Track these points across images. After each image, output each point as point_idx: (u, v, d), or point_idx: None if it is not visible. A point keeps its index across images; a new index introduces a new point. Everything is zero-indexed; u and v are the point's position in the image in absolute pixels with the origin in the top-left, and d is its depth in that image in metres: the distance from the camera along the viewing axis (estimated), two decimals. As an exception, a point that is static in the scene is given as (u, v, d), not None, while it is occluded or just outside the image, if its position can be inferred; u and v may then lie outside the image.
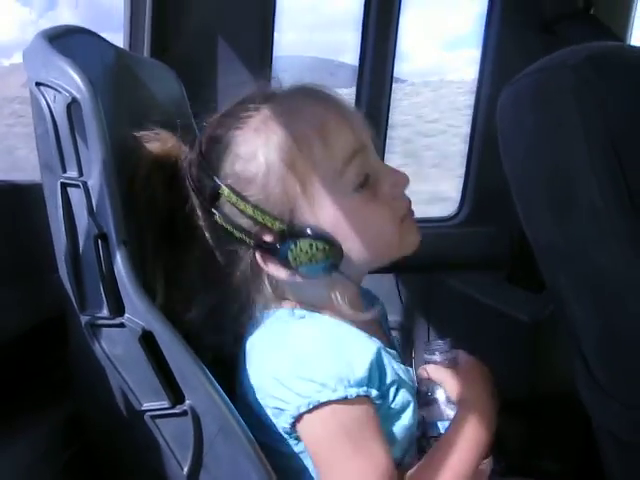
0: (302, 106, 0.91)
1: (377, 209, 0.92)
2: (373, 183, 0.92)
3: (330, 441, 0.87)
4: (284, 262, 0.90)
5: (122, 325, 0.83)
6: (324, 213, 0.90)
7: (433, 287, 2.03)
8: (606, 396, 1.01)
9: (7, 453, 0.82)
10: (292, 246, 0.88)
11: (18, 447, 0.85)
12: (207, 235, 0.93)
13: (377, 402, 0.89)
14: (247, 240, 0.90)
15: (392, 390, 0.92)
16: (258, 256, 0.91)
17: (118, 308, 0.83)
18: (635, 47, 1.27)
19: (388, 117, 2.03)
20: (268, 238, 0.90)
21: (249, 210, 0.88)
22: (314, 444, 0.89)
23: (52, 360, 0.98)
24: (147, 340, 0.83)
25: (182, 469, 0.85)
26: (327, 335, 0.91)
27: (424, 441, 0.99)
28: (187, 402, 0.83)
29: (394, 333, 1.17)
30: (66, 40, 0.92)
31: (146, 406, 0.85)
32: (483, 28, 2.00)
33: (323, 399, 0.85)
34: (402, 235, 0.94)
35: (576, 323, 1.06)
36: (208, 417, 0.84)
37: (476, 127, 2.03)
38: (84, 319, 0.85)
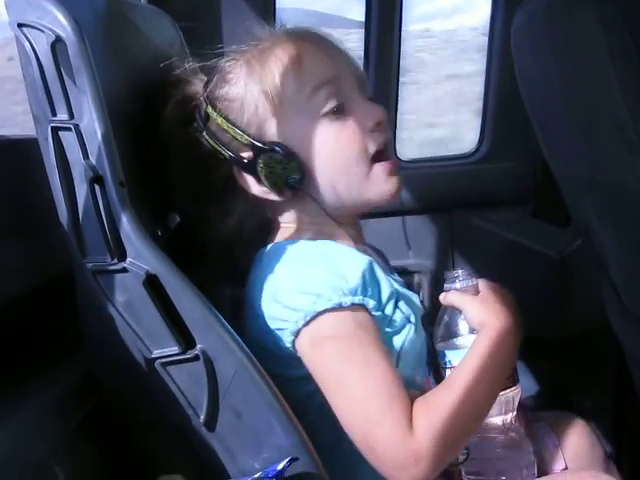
0: (288, 40, 1.00)
1: (344, 138, 0.97)
2: (348, 112, 0.98)
3: (326, 354, 0.88)
4: (256, 178, 0.97)
5: (125, 270, 0.81)
6: (289, 131, 0.97)
7: (456, 227, 1.99)
8: (638, 323, 0.98)
9: (18, 414, 0.80)
10: (259, 160, 0.96)
11: (29, 408, 0.82)
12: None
13: (376, 314, 0.91)
14: (226, 154, 0.98)
15: (391, 304, 0.94)
16: (236, 171, 0.99)
17: (120, 252, 0.81)
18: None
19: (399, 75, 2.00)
20: (244, 154, 0.97)
21: (225, 125, 0.97)
22: (313, 359, 0.89)
23: (65, 319, 0.95)
24: (152, 284, 0.80)
25: (199, 417, 0.83)
26: (318, 252, 0.95)
27: (444, 371, 0.96)
28: (198, 346, 0.81)
29: (418, 276, 1.17)
30: (51, -18, 0.88)
31: (156, 353, 0.82)
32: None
33: (319, 309, 0.87)
34: (372, 178, 0.98)
35: (604, 251, 1.03)
36: (222, 361, 0.81)
37: (492, 58, 1.98)
38: (87, 267, 0.82)
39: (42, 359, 0.93)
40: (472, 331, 0.95)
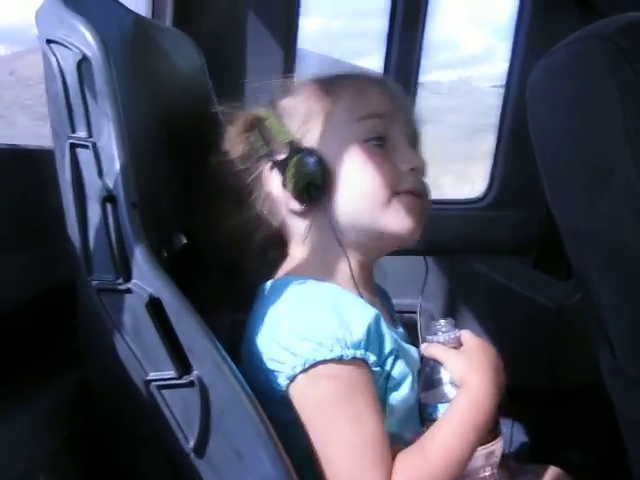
0: (358, 77, 1.06)
1: (376, 168, 0.97)
2: (388, 149, 0.99)
3: (320, 404, 0.88)
4: (282, 179, 0.99)
5: (129, 291, 0.81)
6: (328, 145, 0.99)
7: (458, 270, 1.99)
8: (633, 384, 0.97)
9: (7, 424, 0.79)
10: (291, 159, 0.98)
11: (19, 418, 0.82)
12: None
13: (375, 369, 0.90)
14: (265, 149, 1.00)
15: (391, 359, 0.93)
16: (267, 167, 1.00)
17: (125, 273, 0.81)
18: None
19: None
20: (280, 156, 0.99)
21: (276, 124, 1.00)
22: (304, 406, 0.89)
23: (64, 330, 0.96)
24: (155, 307, 0.81)
25: (189, 442, 0.83)
26: (325, 297, 0.93)
27: (425, 424, 0.96)
28: (194, 373, 0.81)
29: (416, 316, 1.17)
30: (81, 1, 0.89)
31: (152, 376, 0.82)
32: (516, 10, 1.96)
33: (319, 358, 0.86)
34: (391, 208, 0.97)
35: (602, 308, 1.03)
36: (216, 390, 0.81)
37: (506, 108, 1.99)
38: (92, 284, 0.83)
39: (36, 370, 0.93)
40: (453, 383, 0.95)
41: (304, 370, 0.87)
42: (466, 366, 0.94)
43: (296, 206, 0.99)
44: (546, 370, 1.74)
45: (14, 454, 0.78)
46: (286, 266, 1.02)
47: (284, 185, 0.98)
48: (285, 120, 1.01)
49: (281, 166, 0.98)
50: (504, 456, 0.99)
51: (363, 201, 0.98)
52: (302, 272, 0.99)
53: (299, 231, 1.01)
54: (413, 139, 1.04)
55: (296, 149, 0.98)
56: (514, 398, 1.32)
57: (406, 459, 0.87)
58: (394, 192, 0.97)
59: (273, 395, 0.90)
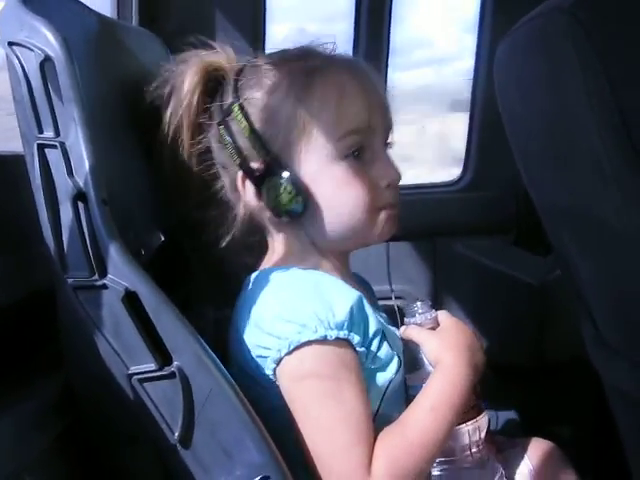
0: (334, 70, 0.99)
1: (356, 187, 0.97)
2: (366, 159, 0.98)
3: (304, 383, 0.88)
4: (258, 192, 0.97)
5: (105, 286, 0.82)
6: (307, 166, 0.96)
7: (439, 253, 2.00)
8: (615, 355, 0.98)
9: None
10: (268, 179, 0.96)
11: (6, 420, 0.82)
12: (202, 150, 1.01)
13: (360, 350, 0.91)
14: (236, 158, 0.97)
15: (376, 341, 0.94)
16: (240, 176, 0.98)
17: (100, 269, 0.81)
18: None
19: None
20: (254, 165, 0.97)
21: (247, 132, 0.96)
22: (290, 388, 0.89)
23: (47, 334, 0.96)
24: (131, 301, 0.81)
25: (174, 434, 0.83)
26: (308, 281, 0.94)
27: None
28: (175, 364, 0.82)
29: (400, 301, 1.17)
30: (41, 2, 0.89)
31: (133, 369, 0.83)
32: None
33: (303, 339, 0.87)
34: (377, 224, 0.99)
35: (582, 282, 1.04)
36: (197, 379, 0.82)
37: (477, 89, 2.00)
38: (68, 282, 0.83)
39: (22, 373, 0.93)
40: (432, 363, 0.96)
41: (289, 352, 0.87)
42: (440, 346, 0.95)
43: (272, 218, 0.99)
44: (531, 346, 1.75)
45: (1, 457, 0.78)
46: (270, 257, 1.03)
47: (258, 197, 0.98)
48: (259, 125, 0.97)
49: (257, 181, 0.97)
50: (490, 432, 1.00)
51: (344, 219, 0.98)
52: (285, 262, 1.00)
53: (278, 231, 1.03)
54: (388, 134, 1.04)
55: (274, 169, 0.96)
56: (501, 375, 1.33)
57: (387, 438, 0.88)
58: (374, 209, 0.98)
59: (264, 382, 0.91)
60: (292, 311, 0.89)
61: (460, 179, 2.06)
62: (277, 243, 1.03)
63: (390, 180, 0.99)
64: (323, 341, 0.87)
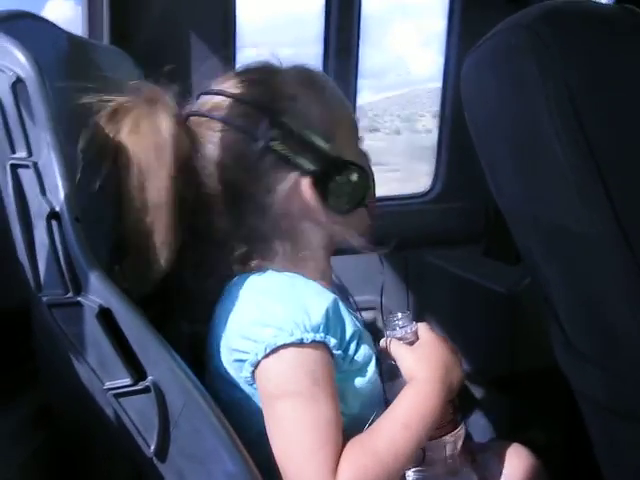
0: (320, 76, 1.07)
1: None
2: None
3: (279, 385, 0.89)
4: (321, 194, 0.97)
5: (79, 304, 0.82)
6: (351, 156, 1.00)
7: (410, 264, 2.02)
8: (583, 360, 1.00)
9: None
10: (335, 175, 0.97)
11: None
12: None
13: (336, 352, 0.91)
14: (304, 165, 0.96)
15: (353, 344, 0.94)
16: (305, 182, 0.96)
17: (75, 286, 0.82)
18: (592, 1, 1.26)
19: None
20: (315, 168, 0.96)
21: (307, 137, 0.96)
22: (265, 391, 0.90)
23: (23, 351, 0.96)
24: (105, 317, 0.82)
25: (149, 447, 0.84)
26: (283, 285, 0.95)
27: None
28: (149, 378, 0.82)
29: (373, 313, 1.18)
30: (12, 24, 0.91)
31: (108, 385, 0.84)
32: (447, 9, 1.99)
33: (279, 342, 0.88)
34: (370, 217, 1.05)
35: (549, 287, 1.05)
36: (172, 393, 0.83)
37: (446, 102, 2.03)
38: (43, 300, 0.84)
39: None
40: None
41: (266, 355, 0.88)
42: (415, 363, 0.97)
43: (319, 219, 1.00)
44: (503, 353, 1.76)
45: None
46: (249, 265, 1.01)
47: (323, 199, 0.97)
48: (307, 130, 0.97)
49: (321, 181, 0.97)
50: (465, 438, 1.02)
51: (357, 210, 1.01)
52: (263, 267, 0.99)
53: (302, 234, 1.01)
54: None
55: (338, 163, 0.97)
56: (476, 384, 1.35)
57: (356, 445, 0.89)
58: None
59: (244, 387, 0.92)
60: (268, 315, 0.90)
61: (430, 190, 2.08)
62: (285, 246, 1.00)
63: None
64: (299, 344, 0.88)
